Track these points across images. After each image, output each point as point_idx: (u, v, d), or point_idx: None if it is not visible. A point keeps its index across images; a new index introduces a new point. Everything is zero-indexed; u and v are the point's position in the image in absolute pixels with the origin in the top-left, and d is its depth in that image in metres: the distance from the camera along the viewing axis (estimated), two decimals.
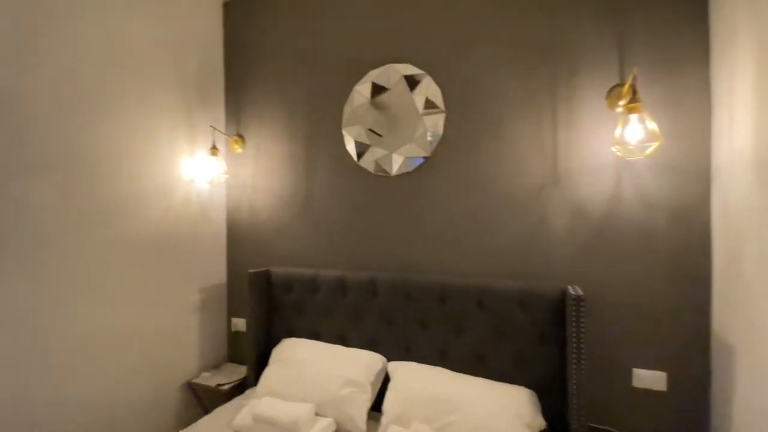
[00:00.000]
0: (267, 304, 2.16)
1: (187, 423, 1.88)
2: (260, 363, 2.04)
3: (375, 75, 2.03)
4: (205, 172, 2.27)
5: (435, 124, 1.89)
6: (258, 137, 2.38)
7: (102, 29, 1.79)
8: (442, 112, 1.89)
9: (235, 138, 2.42)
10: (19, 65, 1.52)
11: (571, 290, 1.49)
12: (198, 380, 2.16)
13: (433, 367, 1.74)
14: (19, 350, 1.51)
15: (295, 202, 2.26)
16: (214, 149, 2.24)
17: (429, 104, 1.90)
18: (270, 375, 1.86)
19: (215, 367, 2.33)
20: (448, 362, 1.76)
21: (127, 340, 1.89)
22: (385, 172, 2.01)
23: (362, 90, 2.05)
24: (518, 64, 1.76)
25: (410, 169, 1.96)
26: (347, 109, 2.10)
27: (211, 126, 2.30)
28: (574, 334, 1.44)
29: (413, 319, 1.86)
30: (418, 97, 1.92)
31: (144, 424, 1.95)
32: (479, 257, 1.84)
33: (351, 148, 2.08)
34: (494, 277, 1.79)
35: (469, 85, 1.85)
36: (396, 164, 1.98)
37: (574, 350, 1.43)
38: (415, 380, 1.68)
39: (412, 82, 1.94)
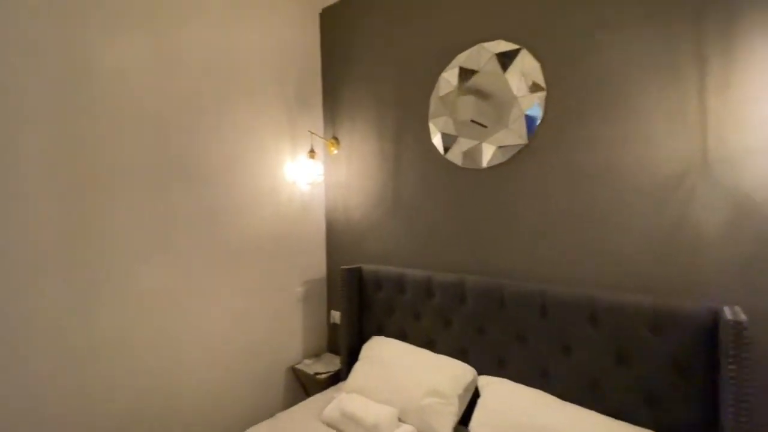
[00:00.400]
0: (359, 300, 2.20)
1: (292, 404, 2.06)
2: (352, 357, 2.09)
3: (463, 59, 1.85)
4: (305, 174, 2.43)
5: (534, 105, 1.63)
6: (351, 138, 2.44)
7: (218, 46, 2.04)
8: (542, 89, 1.61)
9: (331, 140, 2.53)
10: (160, 90, 1.84)
11: (728, 312, 1.10)
12: (300, 366, 2.34)
13: (531, 389, 1.51)
14: (162, 326, 1.85)
15: (384, 200, 2.25)
16: (312, 152, 2.38)
17: (526, 83, 1.64)
18: (358, 371, 1.88)
19: (316, 355, 2.50)
20: (550, 385, 1.50)
21: (242, 323, 2.15)
22: (475, 164, 1.82)
23: (449, 77, 1.90)
24: (650, 18, 1.37)
25: (504, 159, 1.73)
26: (433, 100, 1.97)
27: (309, 131, 2.44)
28: (731, 371, 1.05)
29: (508, 330, 1.64)
30: (513, 76, 1.68)
31: (255, 402, 2.20)
32: (591, 263, 1.52)
33: (437, 141, 1.95)
34: (612, 288, 1.45)
35: (578, 53, 1.53)
36: (487, 155, 1.77)
37: (732, 393, 1.05)
38: (510, 401, 1.48)
39: (504, 61, 1.70)
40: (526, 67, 1.64)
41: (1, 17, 1.41)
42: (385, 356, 1.87)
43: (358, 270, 2.20)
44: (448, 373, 1.67)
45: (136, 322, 1.76)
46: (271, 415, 1.86)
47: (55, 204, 1.55)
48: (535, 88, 1.62)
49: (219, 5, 2.03)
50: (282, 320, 2.36)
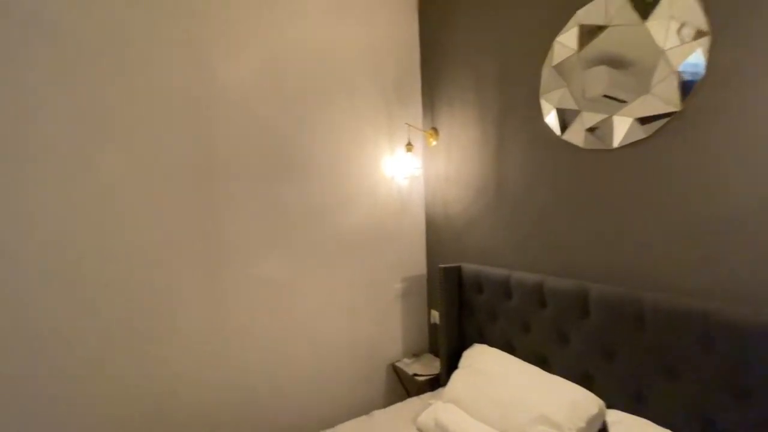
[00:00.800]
0: (459, 302, 2.03)
1: (391, 401, 2.03)
2: (452, 361, 1.93)
3: (583, 14, 1.49)
4: (403, 168, 2.35)
5: (690, 57, 1.20)
6: (450, 126, 2.25)
7: (319, 47, 2.09)
8: (704, 34, 1.17)
9: (430, 131, 2.39)
10: (269, 93, 1.98)
11: None
12: (400, 364, 2.29)
13: None
14: (273, 317, 2.01)
15: (486, 191, 2.01)
16: (409, 145, 2.29)
17: (678, 29, 1.22)
18: (457, 380, 1.72)
19: (416, 355, 2.41)
20: None
21: (345, 317, 2.21)
22: (603, 144, 1.45)
23: (565, 40, 1.56)
24: None
25: (644, 135, 1.33)
26: (545, 72, 1.65)
27: (407, 123, 2.35)
28: None
29: (649, 358, 1.27)
30: (657, 22, 1.27)
31: (356, 396, 2.23)
32: None
33: (551, 119, 1.63)
34: None
35: None
36: (620, 131, 1.39)
37: None
38: None
39: (644, 5, 1.30)
40: (678, 6, 1.22)
41: (149, 47, 1.69)
42: (487, 368, 1.67)
43: (458, 269, 2.03)
44: (566, 400, 1.38)
45: (252, 311, 1.95)
46: (369, 411, 1.85)
47: (186, 200, 1.80)
48: (692, 34, 1.19)
49: (319, 8, 2.09)
50: (383, 316, 2.35)
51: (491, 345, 1.81)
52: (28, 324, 1.50)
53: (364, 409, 2.12)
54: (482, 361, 1.73)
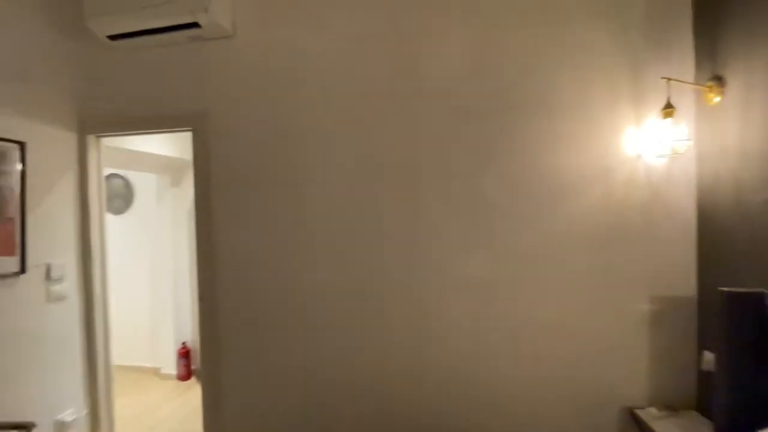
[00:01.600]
0: (754, 347, 1.26)
1: None
2: None
3: None
4: (657, 142, 1.68)
5: None
6: (749, 72, 1.43)
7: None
8: None
9: (709, 84, 1.60)
10: (477, 84, 1.86)
11: None
12: (643, 414, 1.68)
13: None
14: (477, 316, 1.87)
15: None
16: (668, 109, 1.61)
17: None
18: None
19: (670, 407, 1.69)
20: None
21: (561, 333, 1.82)
22: None
23: None
24: None
25: None
26: None
27: (664, 78, 1.66)
28: None
29: None
30: None
31: None
32: None
33: None
34: None
35: None
36: None
37: None
38: None
39: None
40: None
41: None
42: None
43: (758, 298, 1.26)
44: None
45: (454, 308, 1.88)
46: None
47: (394, 194, 1.91)
48: None
49: None
50: (617, 344, 1.79)
51: None
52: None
53: None
54: None
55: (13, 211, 1.93)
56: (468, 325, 1.87)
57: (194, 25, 1.98)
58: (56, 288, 2.14)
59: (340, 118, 1.98)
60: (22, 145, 1.96)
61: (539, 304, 1.83)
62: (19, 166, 1.95)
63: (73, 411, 2.20)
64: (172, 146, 3.25)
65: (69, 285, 2.22)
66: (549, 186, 1.81)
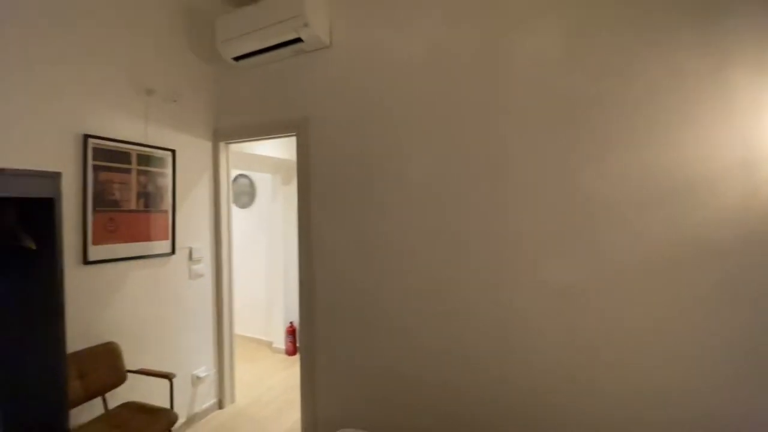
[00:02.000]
0: None
1: None
2: None
3: None
4: None
5: None
6: None
7: None
8: None
9: None
10: (575, 71, 1.68)
11: None
12: None
13: None
14: (570, 326, 1.69)
15: None
16: None
17: None
18: None
19: None
20: None
21: (672, 352, 1.53)
22: None
23: None
24: None
25: None
26: None
27: None
28: None
29: None
30: None
31: None
32: None
33: None
34: None
35: None
36: None
37: None
38: None
39: None
40: None
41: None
42: None
43: None
44: None
45: (541, 316, 1.74)
46: None
47: (481, 195, 1.84)
48: None
49: None
50: (747, 374, 1.42)
51: None
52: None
53: None
54: None
55: (167, 204, 2.46)
56: (555, 335, 1.71)
57: (298, 40, 2.21)
58: (196, 267, 2.65)
59: (429, 117, 1.98)
60: (173, 152, 2.48)
61: (635, 317, 1.56)
62: (171, 169, 2.47)
63: (205, 369, 2.70)
64: (284, 149, 3.69)
65: (205, 265, 2.72)
66: (667, 183, 1.52)
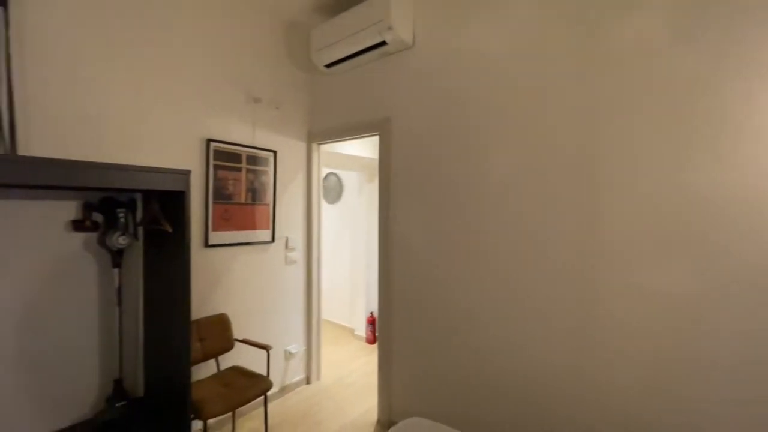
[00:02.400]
0: None
1: None
2: None
3: None
4: None
5: None
6: None
7: None
8: None
9: None
10: (683, 49, 1.48)
11: None
12: None
13: None
14: (672, 339, 1.51)
15: None
16: None
17: None
18: None
19: None
20: None
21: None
22: None
23: None
24: None
25: None
26: None
27: None
28: None
29: None
30: None
31: None
32: None
33: None
34: None
35: None
36: None
37: None
38: None
39: None
40: None
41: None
42: None
43: None
44: None
45: (634, 325, 1.58)
46: None
47: (570, 195, 1.73)
48: None
49: None
50: None
51: None
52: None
53: None
54: None
55: (269, 198, 2.80)
56: (654, 350, 1.52)
57: (382, 43, 2.32)
58: (291, 255, 2.97)
59: (512, 113, 1.93)
60: (275, 153, 2.81)
61: (753, 334, 1.30)
62: (272, 168, 2.80)
63: (296, 346, 3.01)
64: (369, 149, 3.89)
65: (298, 254, 3.03)
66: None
